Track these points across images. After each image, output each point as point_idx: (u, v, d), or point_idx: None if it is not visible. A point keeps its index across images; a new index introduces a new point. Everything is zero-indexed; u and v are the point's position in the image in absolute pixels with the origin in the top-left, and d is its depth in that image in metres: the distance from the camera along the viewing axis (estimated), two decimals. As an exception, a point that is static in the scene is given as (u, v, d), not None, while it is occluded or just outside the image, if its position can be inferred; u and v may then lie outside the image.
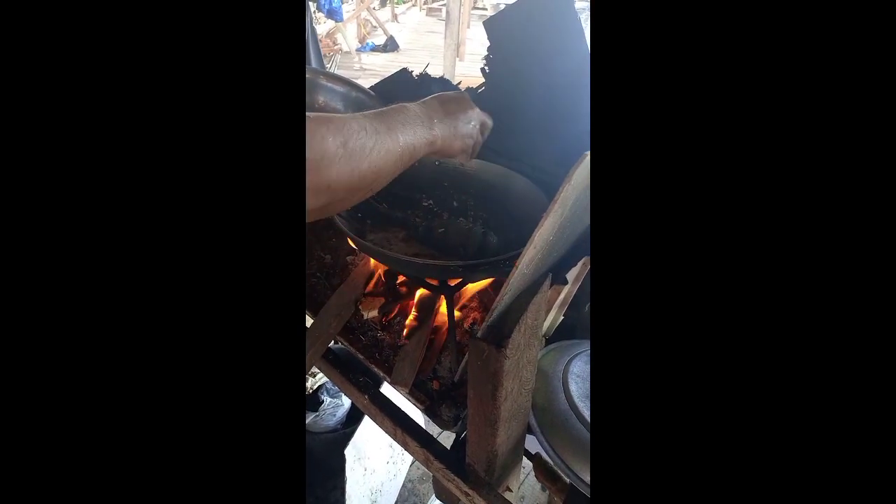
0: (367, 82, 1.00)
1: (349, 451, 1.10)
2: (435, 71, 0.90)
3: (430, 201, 0.79)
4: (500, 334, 0.45)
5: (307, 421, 1.17)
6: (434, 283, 0.68)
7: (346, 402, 1.22)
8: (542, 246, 0.47)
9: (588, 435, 0.59)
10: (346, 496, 1.09)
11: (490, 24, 0.76)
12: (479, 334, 0.47)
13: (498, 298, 0.47)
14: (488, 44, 0.78)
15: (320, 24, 5.37)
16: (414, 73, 0.90)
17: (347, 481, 1.10)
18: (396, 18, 7.28)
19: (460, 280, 0.68)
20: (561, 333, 0.80)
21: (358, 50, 5.49)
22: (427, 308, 0.72)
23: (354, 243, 0.62)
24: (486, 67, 0.80)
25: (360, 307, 0.73)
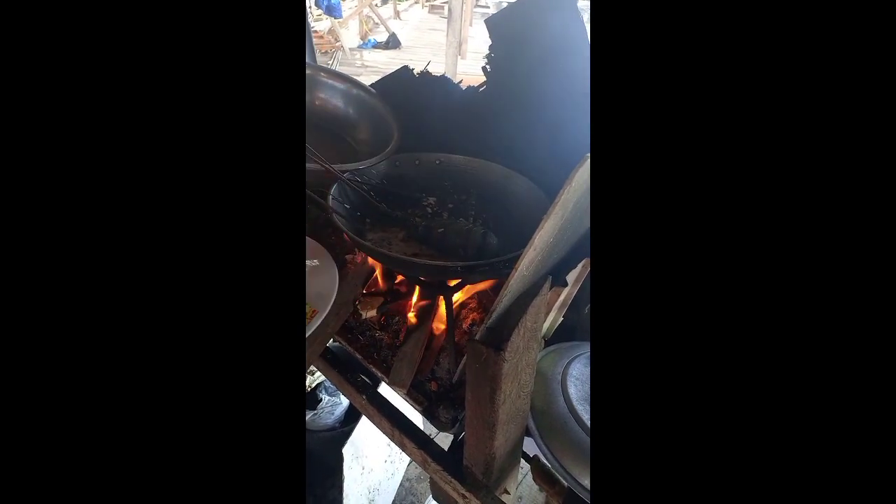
0: (368, 79, 0.99)
1: (347, 450, 1.09)
2: (436, 69, 0.89)
3: (431, 201, 0.78)
4: (498, 337, 0.45)
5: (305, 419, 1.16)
6: (433, 283, 0.68)
7: (345, 400, 1.21)
8: (542, 248, 0.47)
9: (586, 439, 0.58)
10: (344, 495, 1.09)
11: (492, 23, 0.75)
12: (477, 336, 0.46)
13: (497, 300, 0.46)
14: (490, 42, 0.77)
15: (321, 21, 5.35)
16: (415, 71, 0.89)
17: (345, 480, 1.09)
18: (399, 15, 7.26)
19: (459, 280, 0.68)
20: (560, 335, 0.80)
21: (360, 47, 5.48)
22: (426, 308, 0.71)
23: (353, 243, 0.62)
24: (487, 66, 0.79)
25: (358, 307, 0.72)
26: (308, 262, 0.69)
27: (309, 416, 1.17)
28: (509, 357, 0.45)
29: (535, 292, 0.47)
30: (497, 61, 0.78)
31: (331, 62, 4.83)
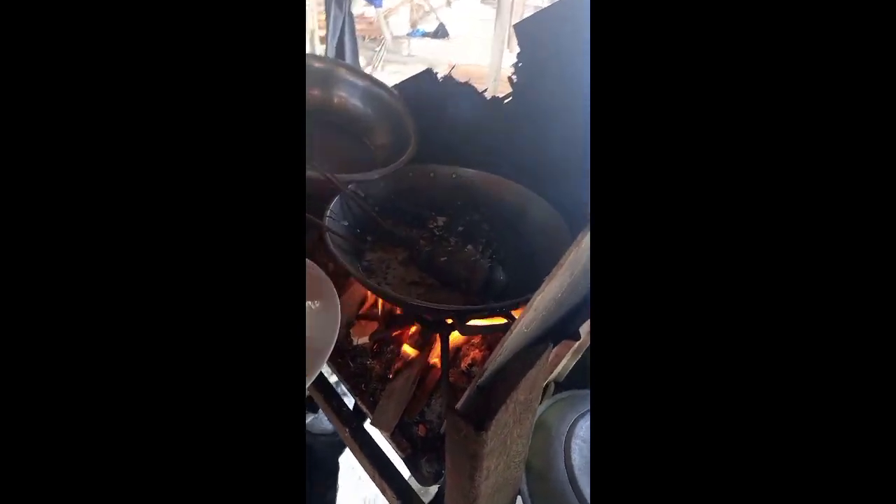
0: (413, 69, 0.93)
1: (343, 459, 1.06)
2: (484, 61, 0.82)
3: (439, 221, 0.71)
4: (483, 410, 0.38)
5: (306, 421, 1.14)
6: (429, 318, 0.61)
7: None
8: (544, 308, 0.40)
9: (585, 518, 0.51)
10: (338, 505, 1.06)
11: (521, 29, 0.67)
12: (459, 405, 0.39)
13: (491, 357, 0.39)
14: (518, 49, 0.69)
15: (370, 7, 5.31)
16: (438, 76, 0.82)
17: (340, 489, 1.06)
18: (450, 4, 7.13)
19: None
20: (577, 374, 0.72)
21: (408, 35, 5.42)
22: (421, 342, 0.65)
23: (347, 272, 0.56)
24: (513, 76, 0.71)
25: (351, 331, 0.67)
26: (307, 304, 0.58)
27: (309, 418, 1.15)
28: (493, 436, 0.38)
29: (532, 363, 0.40)
30: (525, 71, 0.69)
31: (378, 49, 4.80)
